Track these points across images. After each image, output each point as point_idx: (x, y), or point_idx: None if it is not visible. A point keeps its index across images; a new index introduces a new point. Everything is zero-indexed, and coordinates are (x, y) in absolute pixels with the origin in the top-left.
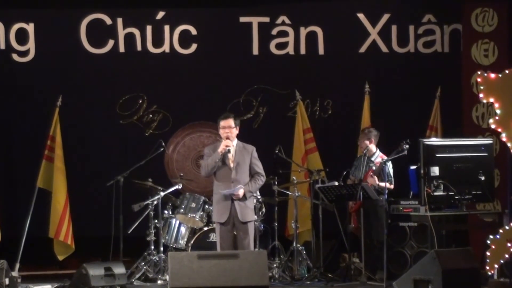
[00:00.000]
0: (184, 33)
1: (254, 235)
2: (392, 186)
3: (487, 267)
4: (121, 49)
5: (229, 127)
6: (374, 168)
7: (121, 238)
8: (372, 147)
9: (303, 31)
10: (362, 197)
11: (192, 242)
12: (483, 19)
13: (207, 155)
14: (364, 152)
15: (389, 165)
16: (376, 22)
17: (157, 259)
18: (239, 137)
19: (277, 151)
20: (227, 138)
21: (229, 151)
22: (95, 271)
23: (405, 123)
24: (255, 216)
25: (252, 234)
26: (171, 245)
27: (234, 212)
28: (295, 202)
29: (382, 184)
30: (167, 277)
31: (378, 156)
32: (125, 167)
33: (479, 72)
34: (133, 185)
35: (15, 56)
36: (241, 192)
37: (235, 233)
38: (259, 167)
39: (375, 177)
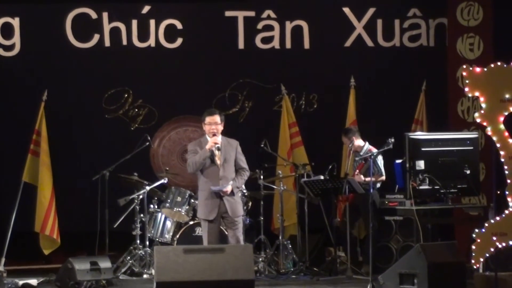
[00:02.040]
0: (170, 27)
1: None
2: (383, 178)
3: (473, 261)
4: (107, 43)
5: (215, 124)
6: (364, 162)
7: (106, 232)
8: (359, 142)
9: (289, 25)
10: (348, 191)
11: (178, 236)
12: (468, 13)
13: (192, 152)
14: (350, 146)
15: (379, 158)
16: (362, 16)
17: (143, 253)
18: (224, 131)
19: (262, 145)
20: (214, 134)
21: (218, 148)
22: (81, 265)
23: (391, 117)
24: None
25: (241, 229)
26: (157, 239)
27: (223, 208)
28: (280, 196)
29: (368, 179)
30: (153, 271)
31: (368, 150)
32: (110, 162)
33: (464, 66)
34: (119, 180)
35: (0, 51)
36: (229, 188)
37: (222, 228)
38: (243, 161)
39: (361, 175)
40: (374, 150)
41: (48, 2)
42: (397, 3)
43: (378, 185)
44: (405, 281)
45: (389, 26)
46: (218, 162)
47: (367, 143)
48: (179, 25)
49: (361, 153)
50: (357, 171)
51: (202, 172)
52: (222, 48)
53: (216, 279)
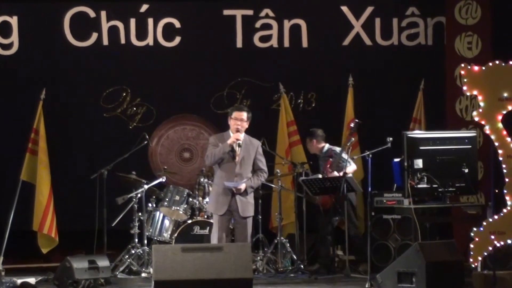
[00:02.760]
0: (168, 26)
1: None
2: (354, 167)
3: (471, 260)
4: (105, 42)
5: (241, 120)
6: (330, 159)
7: (105, 231)
8: (321, 144)
9: (287, 24)
10: (346, 190)
11: (176, 235)
12: (467, 11)
13: (212, 144)
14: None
15: (343, 154)
16: (360, 14)
17: (141, 252)
18: (220, 129)
19: (261, 144)
20: (237, 130)
21: (239, 144)
22: (79, 264)
23: (389, 116)
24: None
25: (250, 229)
26: (155, 238)
27: (234, 206)
28: (279, 195)
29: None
30: (151, 270)
31: (328, 150)
32: (109, 160)
33: (462, 65)
34: (117, 178)
35: None
36: (243, 187)
37: (231, 227)
38: (263, 163)
39: (334, 171)
40: (336, 148)
41: (46, 0)
42: (395, 1)
43: (351, 176)
44: (403, 280)
45: (387, 25)
46: (237, 158)
47: (327, 144)
48: (177, 24)
49: (321, 155)
50: (329, 169)
51: (219, 167)
52: (220, 47)
53: (214, 277)
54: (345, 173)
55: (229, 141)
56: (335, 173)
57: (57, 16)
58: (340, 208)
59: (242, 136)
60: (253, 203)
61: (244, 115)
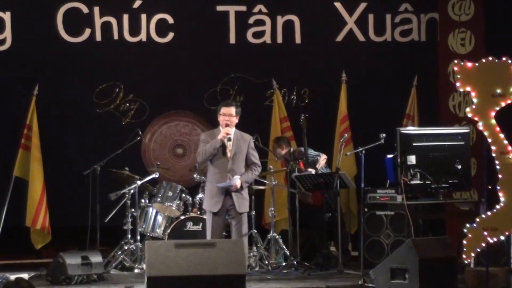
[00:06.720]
0: (161, 22)
1: None
2: (323, 156)
3: (464, 256)
4: (98, 37)
5: (229, 115)
6: (300, 160)
7: (98, 227)
8: (288, 149)
9: (280, 20)
10: (340, 186)
11: (169, 231)
12: (460, 8)
13: (203, 141)
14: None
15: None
16: (353, 10)
17: (134, 248)
18: (214, 126)
19: (254, 140)
20: (226, 125)
21: (229, 139)
22: (72, 260)
23: (382, 112)
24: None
25: (246, 224)
26: (148, 234)
27: (230, 202)
28: (272, 191)
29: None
30: (144, 266)
31: (294, 151)
32: (102, 156)
33: (455, 61)
34: (110, 174)
35: None
36: (238, 183)
37: (229, 221)
38: (255, 157)
39: (309, 169)
40: (301, 149)
41: None
42: None
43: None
44: (396, 276)
45: (381, 21)
46: (228, 154)
47: (291, 148)
48: (170, 20)
49: (290, 158)
50: (309, 169)
51: (212, 163)
52: (213, 42)
53: (207, 274)
54: (337, 169)
55: (219, 137)
56: (310, 170)
57: (50, 12)
58: (332, 204)
59: (232, 131)
60: (248, 198)
61: (233, 110)
